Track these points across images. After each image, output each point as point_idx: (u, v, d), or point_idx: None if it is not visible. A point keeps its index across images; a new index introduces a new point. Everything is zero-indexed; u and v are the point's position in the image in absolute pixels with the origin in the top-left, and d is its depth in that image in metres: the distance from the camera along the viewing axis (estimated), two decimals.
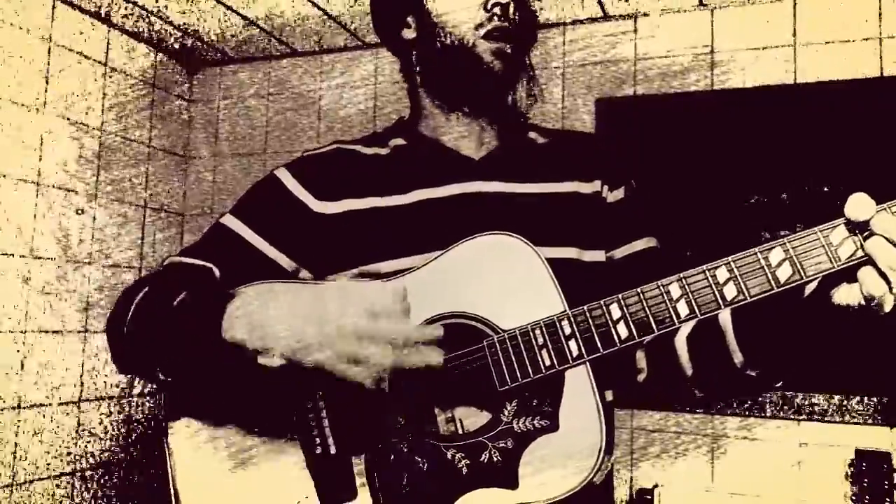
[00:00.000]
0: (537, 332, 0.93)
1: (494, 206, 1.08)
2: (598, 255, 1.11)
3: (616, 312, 0.90)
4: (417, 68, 1.19)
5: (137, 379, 2.99)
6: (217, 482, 1.01)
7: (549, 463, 0.91)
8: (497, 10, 1.07)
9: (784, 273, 0.85)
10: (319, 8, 2.73)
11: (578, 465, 0.89)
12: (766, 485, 2.36)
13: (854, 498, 2.18)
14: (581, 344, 0.91)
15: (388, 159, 1.15)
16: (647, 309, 0.89)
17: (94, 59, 2.84)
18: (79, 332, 2.74)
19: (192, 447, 1.02)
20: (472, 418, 0.96)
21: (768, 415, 2.38)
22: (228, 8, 2.74)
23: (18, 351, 2.52)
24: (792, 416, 2.36)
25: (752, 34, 2.55)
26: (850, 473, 2.21)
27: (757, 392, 2.30)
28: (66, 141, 2.71)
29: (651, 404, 2.50)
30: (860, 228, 0.83)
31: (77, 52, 2.76)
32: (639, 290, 0.90)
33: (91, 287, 2.79)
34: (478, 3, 1.08)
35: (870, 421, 2.28)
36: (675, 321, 0.89)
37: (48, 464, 2.60)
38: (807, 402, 2.34)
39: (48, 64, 2.64)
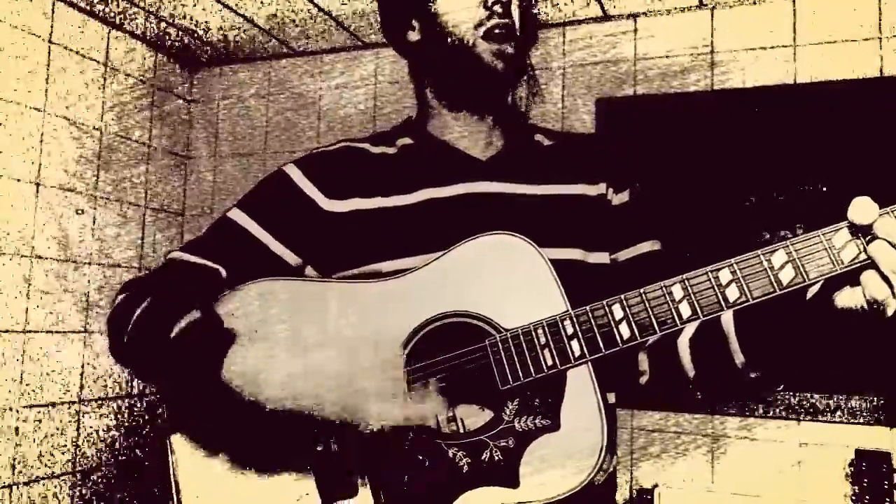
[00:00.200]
0: (539, 331, 0.93)
1: (500, 207, 1.08)
2: (602, 258, 1.11)
3: (618, 313, 0.91)
4: (422, 69, 1.20)
5: (136, 379, 2.98)
6: (219, 478, 1.01)
7: (550, 462, 0.91)
8: (497, 7, 1.07)
9: (787, 275, 0.85)
10: (319, 8, 2.73)
11: (579, 464, 0.89)
12: (766, 485, 2.36)
13: (854, 498, 2.18)
14: (583, 344, 0.91)
15: (395, 158, 1.16)
16: (649, 310, 0.89)
17: (94, 59, 2.84)
18: (79, 332, 2.74)
19: (195, 449, 1.03)
20: (473, 417, 0.96)
21: (768, 415, 2.38)
22: (228, 8, 2.74)
23: (18, 351, 2.52)
24: (792, 416, 2.36)
25: (752, 34, 2.55)
26: (850, 473, 2.21)
27: (758, 394, 2.30)
28: (66, 141, 2.71)
29: (651, 404, 2.50)
30: (863, 232, 0.83)
31: (77, 52, 2.76)
32: (641, 290, 0.90)
33: (91, 287, 2.79)
34: (478, 1, 1.08)
35: (870, 421, 2.28)
36: (678, 322, 0.89)
37: (48, 464, 2.60)
38: (807, 402, 2.34)
39: (48, 64, 2.64)
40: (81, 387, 2.74)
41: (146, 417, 3.02)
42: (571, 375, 0.93)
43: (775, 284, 0.85)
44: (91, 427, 2.77)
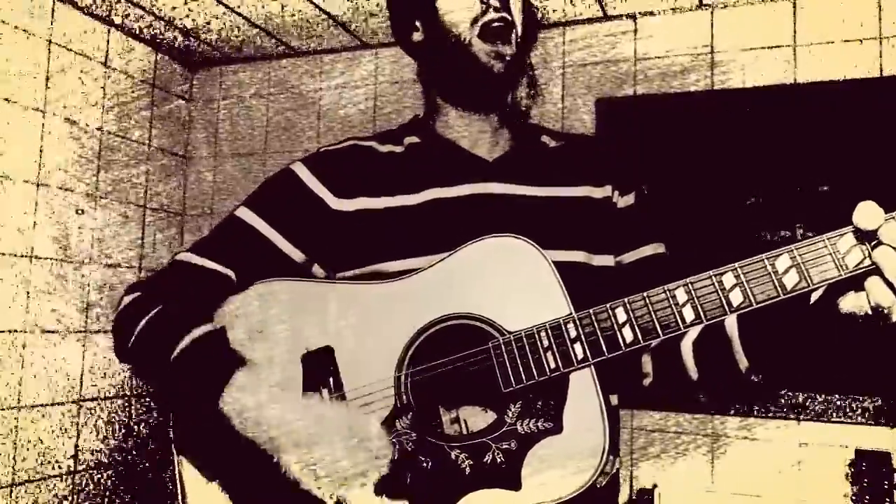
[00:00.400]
0: (543, 334, 0.93)
1: (505, 208, 1.08)
2: (606, 260, 1.11)
3: (622, 316, 0.91)
4: (428, 69, 1.20)
5: (137, 379, 2.98)
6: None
7: (552, 465, 0.91)
8: (493, 1, 1.07)
9: (791, 280, 0.85)
10: (319, 8, 2.73)
11: (581, 467, 0.89)
12: (766, 485, 2.36)
13: (854, 498, 2.18)
14: (586, 347, 0.91)
15: (402, 157, 1.16)
16: (652, 313, 0.89)
17: (94, 59, 2.84)
18: (79, 332, 2.74)
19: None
20: (476, 419, 0.96)
21: (768, 415, 2.38)
22: (228, 8, 2.74)
23: (18, 351, 2.51)
24: (792, 416, 2.36)
25: (752, 34, 2.55)
26: (850, 473, 2.21)
27: (761, 396, 2.31)
28: (66, 141, 2.71)
29: (651, 404, 2.50)
30: (868, 237, 0.82)
31: (77, 52, 2.76)
32: (645, 294, 0.90)
33: (91, 287, 2.79)
34: None
35: (870, 421, 2.28)
36: (681, 326, 0.89)
37: (48, 464, 2.60)
38: (807, 403, 2.34)
39: (48, 64, 2.64)
40: (81, 387, 2.74)
41: (146, 418, 3.02)
42: (574, 378, 0.93)
43: (779, 289, 0.85)
44: (91, 427, 2.77)
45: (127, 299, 1.08)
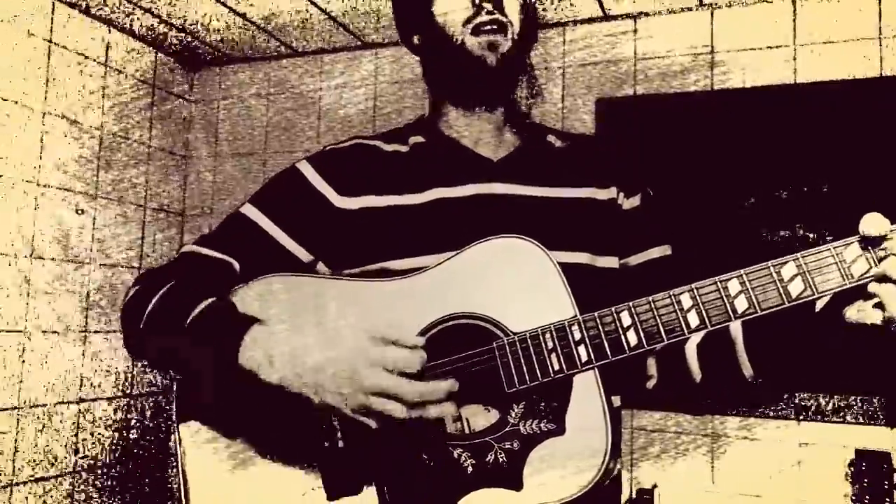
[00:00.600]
0: (547, 336, 0.93)
1: (510, 209, 1.08)
2: (611, 262, 1.11)
3: (626, 320, 0.91)
4: (429, 69, 1.21)
5: (137, 379, 2.98)
6: (227, 470, 1.02)
7: (554, 466, 0.91)
8: (486, 3, 1.07)
9: (796, 288, 0.85)
10: (319, 8, 2.73)
11: (583, 469, 0.89)
12: (766, 485, 2.36)
13: (854, 498, 2.18)
14: (590, 350, 0.92)
15: (407, 157, 1.16)
16: (657, 318, 0.90)
17: (94, 59, 2.84)
18: (79, 332, 2.74)
19: (202, 441, 1.03)
20: (479, 418, 0.96)
21: (768, 415, 2.38)
22: (228, 8, 2.74)
23: (18, 351, 2.51)
24: (792, 416, 2.36)
25: (752, 34, 2.55)
26: (850, 473, 2.21)
27: (763, 400, 2.31)
28: (66, 141, 2.71)
29: (651, 404, 2.50)
30: (874, 246, 0.83)
31: (77, 52, 2.76)
32: (650, 298, 0.90)
33: (91, 287, 2.79)
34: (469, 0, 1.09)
35: (870, 421, 2.28)
36: (685, 331, 0.89)
37: (48, 464, 2.60)
38: (807, 402, 2.35)
39: (48, 64, 2.64)
40: (81, 387, 2.74)
41: (146, 417, 3.02)
42: (577, 380, 0.93)
43: (784, 297, 0.85)
44: (91, 427, 2.77)
45: (133, 290, 1.09)
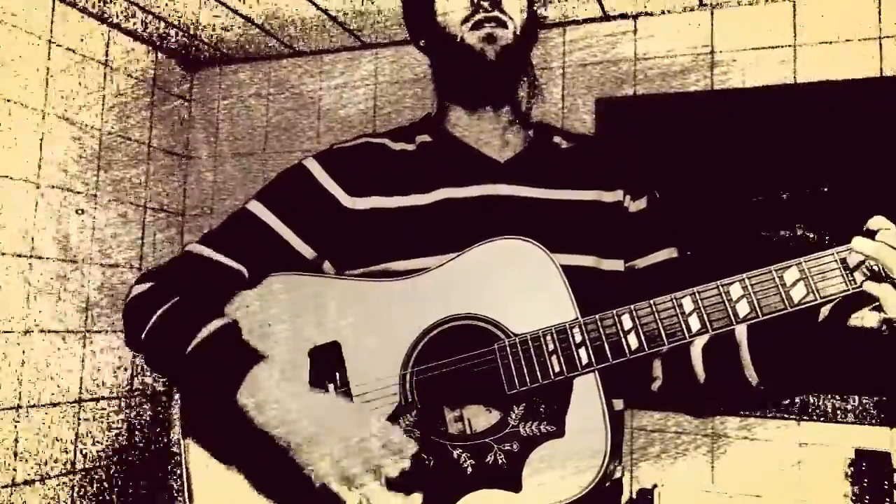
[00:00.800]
0: (548, 338, 0.93)
1: (516, 210, 1.08)
2: (616, 265, 1.11)
3: (627, 323, 0.91)
4: (433, 70, 1.21)
5: (137, 379, 2.98)
6: (229, 471, 1.02)
7: (553, 468, 0.91)
8: (484, 2, 1.07)
9: (798, 293, 0.85)
10: (319, 8, 2.73)
11: (582, 472, 0.90)
12: (766, 485, 2.36)
13: (854, 498, 2.18)
14: (591, 352, 0.92)
15: (414, 156, 1.16)
16: (658, 321, 0.90)
17: (94, 59, 2.84)
18: (79, 332, 2.74)
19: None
20: (479, 419, 0.96)
21: (768, 415, 2.38)
22: (228, 8, 2.74)
23: (18, 351, 2.51)
24: (792, 416, 2.36)
25: (752, 34, 2.55)
26: (850, 473, 2.21)
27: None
28: (66, 141, 2.71)
29: (651, 404, 2.50)
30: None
31: (77, 52, 2.76)
32: (651, 302, 0.90)
33: (91, 287, 2.79)
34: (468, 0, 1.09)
35: (870, 421, 2.28)
36: (686, 335, 0.89)
37: (48, 464, 2.60)
38: (807, 403, 2.35)
39: (48, 64, 2.64)
40: (81, 387, 2.74)
41: (146, 417, 3.02)
42: (578, 382, 0.93)
43: (786, 302, 0.85)
44: (91, 427, 2.77)
45: (137, 289, 1.09)
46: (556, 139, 1.21)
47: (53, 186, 2.65)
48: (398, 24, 2.82)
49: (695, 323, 0.88)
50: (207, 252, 1.11)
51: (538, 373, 0.93)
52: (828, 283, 0.84)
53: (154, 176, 3.13)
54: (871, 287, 0.82)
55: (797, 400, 2.35)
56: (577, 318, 0.93)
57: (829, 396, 2.32)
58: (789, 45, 2.50)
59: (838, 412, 2.31)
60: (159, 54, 3.15)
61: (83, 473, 2.73)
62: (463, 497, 0.92)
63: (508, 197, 1.10)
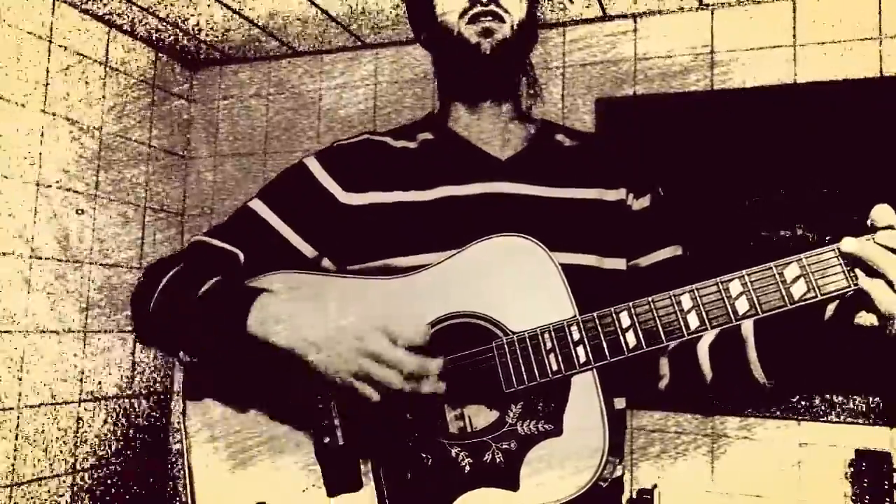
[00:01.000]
0: (546, 336, 0.93)
1: (517, 208, 1.08)
2: (618, 263, 1.11)
3: (625, 320, 0.90)
4: (435, 66, 1.22)
5: (137, 379, 2.99)
6: (230, 470, 1.03)
7: (551, 467, 0.91)
8: None
9: (798, 290, 0.83)
10: (319, 8, 2.73)
11: (580, 471, 0.89)
12: (766, 485, 2.36)
13: (854, 498, 2.18)
14: (589, 350, 0.91)
15: (415, 153, 1.16)
16: (656, 319, 0.89)
17: (94, 59, 2.84)
18: (79, 332, 2.74)
19: (208, 428, 1.04)
20: (477, 418, 0.96)
21: (768, 415, 2.38)
22: (228, 8, 2.74)
23: (18, 351, 2.52)
24: (792, 416, 2.36)
25: (752, 34, 2.55)
26: (850, 473, 2.21)
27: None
28: (66, 141, 2.71)
29: (651, 404, 2.50)
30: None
31: (77, 52, 2.76)
32: (650, 299, 0.90)
33: (91, 287, 2.79)
34: None
35: (870, 421, 2.28)
36: (685, 332, 0.88)
37: (48, 464, 2.60)
38: (807, 402, 2.34)
39: (48, 64, 2.64)
40: (81, 387, 2.74)
41: (146, 417, 3.02)
42: (576, 380, 0.92)
43: (786, 298, 0.84)
44: (91, 427, 2.77)
45: (143, 279, 1.11)
46: (559, 137, 1.21)
47: (53, 186, 2.65)
48: (398, 24, 2.82)
49: (694, 320, 0.88)
50: (210, 241, 1.13)
51: (536, 371, 0.93)
52: (828, 280, 0.83)
53: (154, 176, 3.13)
54: (864, 282, 0.81)
55: (797, 400, 2.35)
56: (576, 316, 0.93)
57: (830, 396, 2.32)
58: (789, 45, 2.50)
59: (838, 412, 2.31)
60: (159, 54, 3.15)
61: (83, 473, 2.73)
62: (460, 496, 0.92)
63: (509, 195, 1.09)
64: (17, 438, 2.49)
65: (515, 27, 1.09)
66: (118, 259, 2.91)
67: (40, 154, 2.61)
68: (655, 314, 0.89)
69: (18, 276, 2.52)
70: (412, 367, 0.90)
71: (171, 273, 1.06)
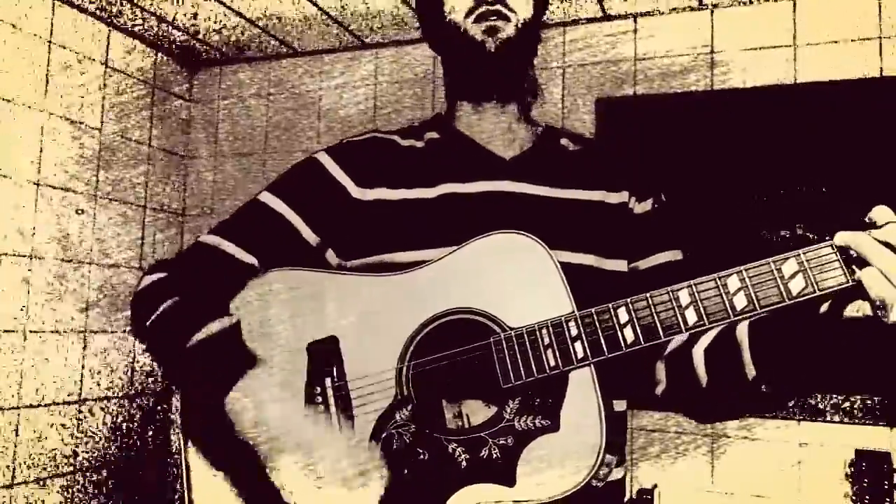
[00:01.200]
0: (544, 331, 0.93)
1: (519, 207, 1.09)
2: (619, 265, 1.11)
3: (623, 316, 0.90)
4: (443, 66, 1.23)
5: (137, 379, 2.99)
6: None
7: (548, 463, 0.91)
8: None
9: (797, 286, 0.83)
10: (319, 8, 2.73)
11: (577, 466, 0.89)
12: (766, 485, 2.36)
13: (854, 498, 2.18)
14: (586, 346, 0.91)
15: (422, 152, 1.17)
16: (654, 314, 0.89)
17: (94, 59, 2.84)
18: (79, 332, 2.74)
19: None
20: (474, 413, 0.96)
21: (768, 415, 2.38)
22: (228, 8, 2.74)
23: (18, 351, 2.51)
24: (792, 416, 2.36)
25: (752, 34, 2.55)
26: (850, 473, 2.21)
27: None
28: (66, 141, 2.71)
29: (651, 404, 2.49)
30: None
31: (77, 52, 2.76)
32: (648, 294, 0.89)
33: (91, 287, 2.79)
34: None
35: (870, 421, 2.28)
36: (683, 328, 0.88)
37: (48, 464, 2.59)
38: (807, 403, 2.34)
39: (48, 64, 2.64)
40: (81, 387, 2.74)
41: (146, 417, 3.02)
42: (574, 377, 0.92)
43: (784, 294, 0.83)
44: (91, 427, 2.77)
45: (148, 280, 1.10)
46: (564, 141, 1.22)
47: (53, 186, 2.65)
48: (398, 24, 2.82)
49: (692, 316, 0.87)
50: (218, 241, 1.11)
51: (533, 367, 0.93)
52: (827, 276, 0.82)
53: (154, 176, 3.13)
54: (858, 272, 0.82)
55: (797, 400, 2.35)
56: (574, 312, 0.93)
57: (829, 396, 2.32)
58: (789, 45, 2.50)
59: (838, 412, 2.31)
60: (159, 54, 3.15)
61: (83, 473, 2.73)
62: (457, 491, 0.92)
63: (512, 194, 1.10)
64: (17, 438, 2.49)
65: (520, 26, 1.10)
66: (118, 259, 2.91)
67: (40, 154, 2.61)
68: (653, 310, 0.89)
69: (18, 277, 2.52)
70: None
71: (171, 301, 1.04)
